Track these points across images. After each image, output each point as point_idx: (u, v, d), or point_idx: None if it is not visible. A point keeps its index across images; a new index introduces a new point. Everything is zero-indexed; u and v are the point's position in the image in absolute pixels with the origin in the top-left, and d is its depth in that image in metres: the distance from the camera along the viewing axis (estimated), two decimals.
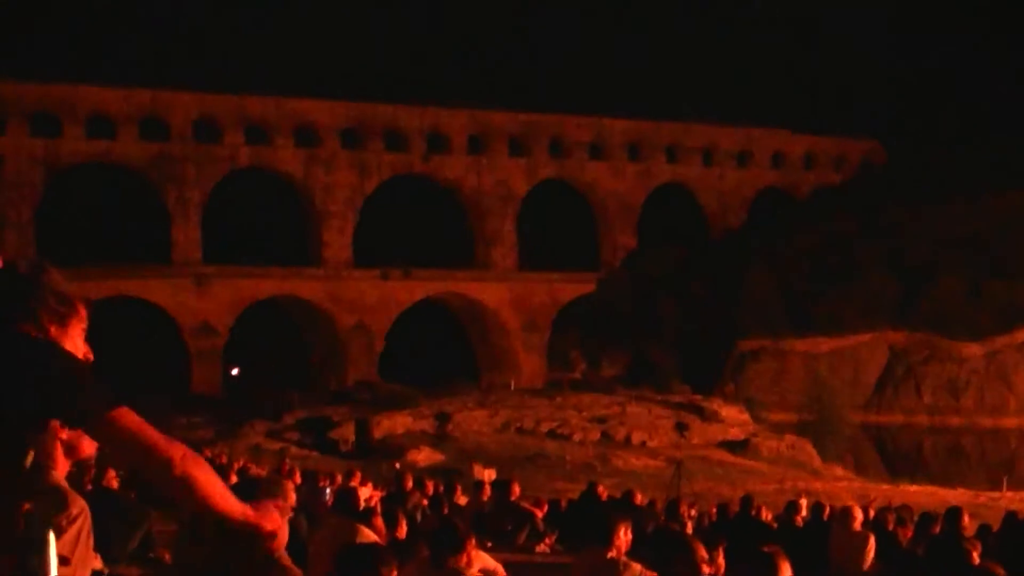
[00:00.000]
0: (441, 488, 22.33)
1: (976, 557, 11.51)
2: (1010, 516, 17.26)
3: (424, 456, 52.70)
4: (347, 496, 12.05)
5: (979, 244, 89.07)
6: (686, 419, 60.09)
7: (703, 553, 7.95)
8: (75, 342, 4.34)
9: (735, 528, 17.58)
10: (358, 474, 24.59)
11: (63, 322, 4.31)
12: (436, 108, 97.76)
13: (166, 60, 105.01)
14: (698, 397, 73.40)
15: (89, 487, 15.74)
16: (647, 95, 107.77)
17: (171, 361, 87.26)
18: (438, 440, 57.27)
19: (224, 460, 33.25)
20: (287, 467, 28.58)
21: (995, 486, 49.75)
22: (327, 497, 20.44)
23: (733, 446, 61.10)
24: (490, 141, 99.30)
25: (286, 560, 4.89)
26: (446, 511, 17.57)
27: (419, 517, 17.93)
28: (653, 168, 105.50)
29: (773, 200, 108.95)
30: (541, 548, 17.68)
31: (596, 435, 59.86)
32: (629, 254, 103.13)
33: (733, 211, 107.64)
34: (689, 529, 17.06)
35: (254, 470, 30.14)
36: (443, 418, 59.89)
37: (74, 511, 4.17)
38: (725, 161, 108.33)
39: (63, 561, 4.00)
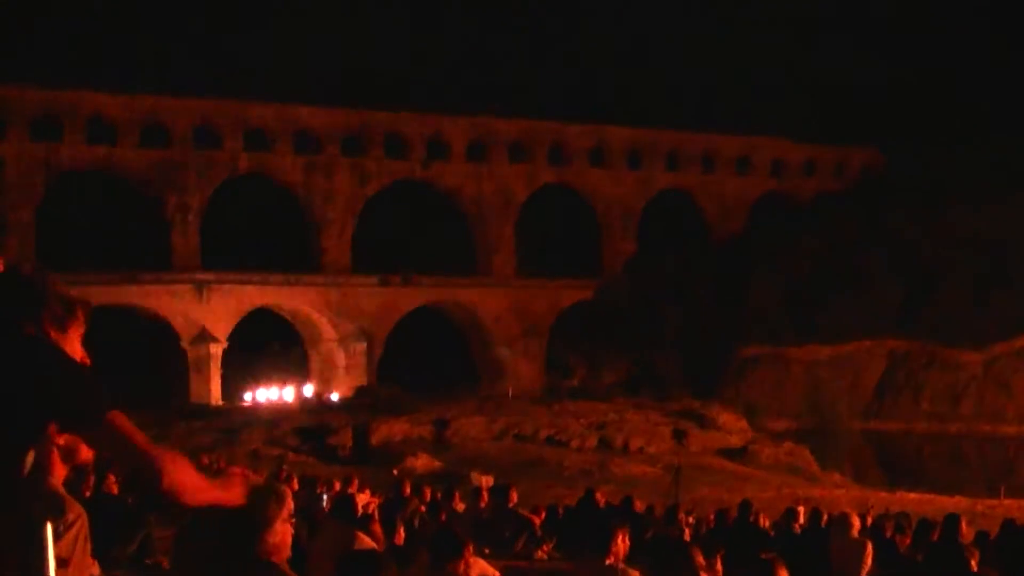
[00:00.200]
0: (439, 495, 22.34)
1: (974, 564, 11.54)
2: (1008, 523, 17.26)
3: (422, 462, 52.68)
4: (345, 503, 12.06)
5: (981, 251, 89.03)
6: (684, 426, 60.13)
7: (701, 560, 7.96)
8: (73, 346, 4.38)
9: (733, 535, 17.59)
10: (356, 480, 24.61)
11: (63, 326, 4.34)
12: (436, 114, 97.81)
13: (167, 66, 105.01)
14: (697, 404, 73.39)
15: (87, 493, 15.73)
16: (647, 102, 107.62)
17: (170, 368, 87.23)
18: (436, 446, 57.27)
19: (223, 466, 33.28)
20: (285, 473, 28.58)
21: (994, 493, 49.72)
22: (325, 503, 20.44)
23: (731, 453, 61.11)
24: (490, 147, 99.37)
25: (285, 567, 4.89)
26: (444, 518, 17.58)
27: (417, 523, 17.94)
28: (653, 175, 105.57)
29: (773, 207, 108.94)
30: (539, 555, 17.68)
31: (594, 442, 59.87)
32: (629, 261, 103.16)
33: (733, 218, 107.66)
34: (687, 536, 17.06)
35: (252, 476, 30.09)
36: (441, 424, 59.88)
37: (71, 516, 4.19)
38: (725, 168, 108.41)
39: (61, 563, 4.02)
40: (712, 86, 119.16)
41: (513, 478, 40.79)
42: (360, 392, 75.56)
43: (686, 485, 38.89)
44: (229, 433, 58.71)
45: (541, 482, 47.64)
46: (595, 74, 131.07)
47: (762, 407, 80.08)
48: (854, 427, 79.97)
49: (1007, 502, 45.87)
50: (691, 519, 22.02)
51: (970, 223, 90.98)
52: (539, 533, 17.37)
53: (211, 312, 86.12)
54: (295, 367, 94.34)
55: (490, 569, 10.97)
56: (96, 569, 10.91)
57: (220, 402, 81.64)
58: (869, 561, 14.72)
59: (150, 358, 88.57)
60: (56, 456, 4.21)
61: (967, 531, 15.58)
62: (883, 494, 48.66)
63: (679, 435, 41.77)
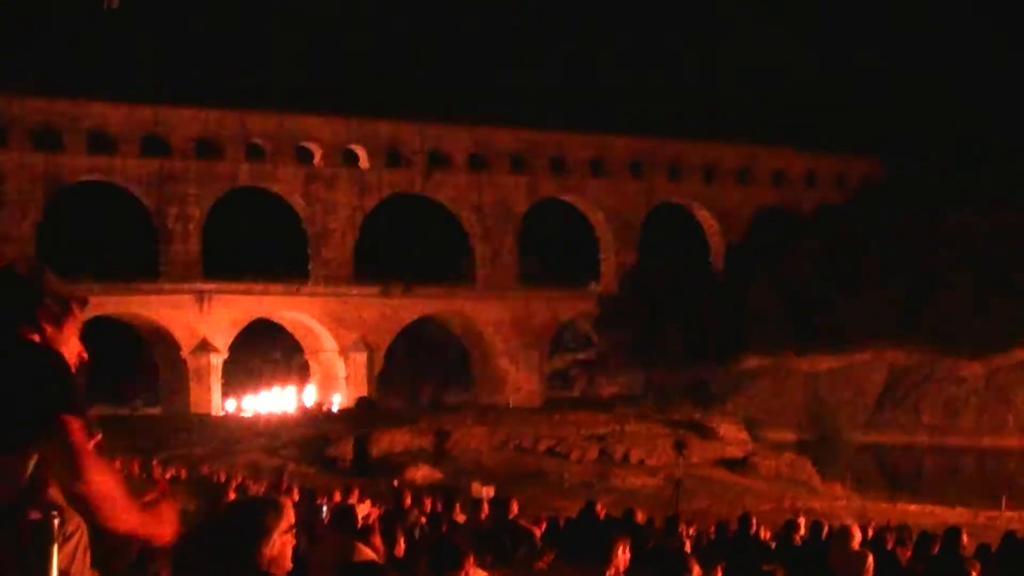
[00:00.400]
0: (439, 505, 22.29)
1: None
2: (1009, 535, 17.21)
3: (423, 473, 52.64)
4: (345, 513, 12.04)
5: (981, 262, 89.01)
6: (685, 437, 59.92)
7: (698, 571, 7.93)
8: (69, 341, 4.38)
9: (734, 546, 17.55)
10: (356, 491, 24.57)
11: (58, 322, 4.35)
12: (436, 126, 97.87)
13: (168, 77, 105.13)
14: (697, 415, 73.31)
15: None
16: (648, 112, 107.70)
17: (170, 377, 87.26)
18: (437, 457, 57.20)
19: (222, 477, 33.22)
20: (285, 484, 28.55)
21: (995, 505, 49.64)
22: (324, 514, 20.40)
23: (732, 464, 61.02)
24: (490, 159, 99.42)
25: None
26: (444, 528, 17.54)
27: (417, 534, 17.90)
28: (654, 186, 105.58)
29: (774, 218, 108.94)
30: (539, 565, 17.62)
31: (594, 453, 59.79)
32: (630, 272, 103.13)
33: (734, 229, 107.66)
34: (688, 547, 17.03)
35: (252, 487, 30.11)
36: (442, 435, 59.80)
37: (70, 527, 4.17)
38: (726, 179, 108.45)
39: (62, 575, 4.01)
40: (713, 95, 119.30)
41: (513, 489, 40.76)
42: (360, 402, 75.48)
43: (687, 496, 38.83)
44: (228, 443, 58.64)
45: (541, 493, 47.59)
46: (596, 84, 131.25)
47: (763, 418, 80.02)
48: (855, 438, 79.89)
49: (1008, 514, 45.79)
50: (691, 530, 21.98)
51: (970, 234, 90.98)
52: (539, 544, 17.31)
53: (211, 322, 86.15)
54: (296, 376, 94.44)
55: None
56: None
57: (220, 412, 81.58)
58: (870, 574, 14.68)
59: (150, 368, 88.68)
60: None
61: (968, 543, 15.55)
62: (884, 506, 48.63)
63: (679, 446, 41.69)
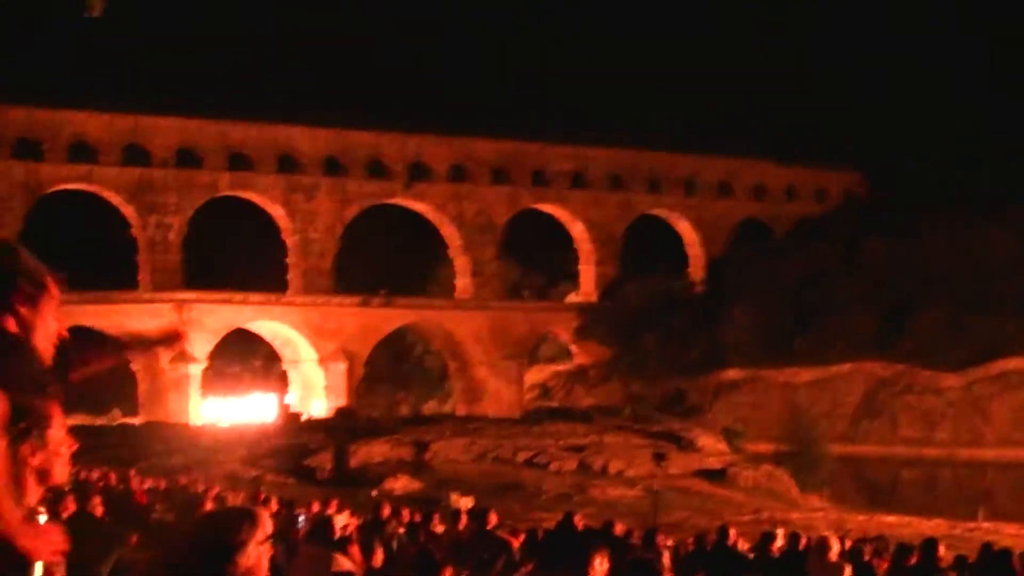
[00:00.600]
0: (418, 516, 22.30)
1: None
2: (986, 547, 17.30)
3: (402, 484, 52.59)
4: (323, 525, 12.04)
5: (959, 278, 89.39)
6: (664, 448, 60.11)
7: None
8: (46, 321, 4.32)
9: (712, 558, 17.60)
10: (334, 502, 24.55)
11: (35, 303, 4.29)
12: (417, 136, 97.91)
13: (148, 86, 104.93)
14: (676, 426, 73.39)
15: (65, 514, 15.69)
16: (629, 125, 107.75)
17: (148, 387, 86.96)
18: (416, 468, 57.15)
19: (200, 488, 33.14)
20: (263, 495, 28.50)
21: (972, 517, 49.82)
22: (301, 524, 20.40)
23: (711, 476, 61.11)
24: (471, 170, 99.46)
25: None
26: (423, 539, 17.55)
27: (396, 545, 17.91)
28: (634, 198, 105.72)
29: (755, 230, 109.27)
30: None
31: (573, 464, 59.83)
32: (610, 284, 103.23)
33: (714, 242, 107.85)
34: (666, 559, 17.06)
35: (231, 498, 30.05)
36: (421, 446, 59.77)
37: None
38: (707, 192, 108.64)
39: None
40: (694, 108, 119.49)
41: (492, 500, 40.75)
42: (340, 413, 75.37)
43: (665, 508, 38.88)
44: (207, 454, 58.51)
45: (520, 504, 47.61)
46: (576, 96, 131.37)
47: (742, 430, 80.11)
48: (833, 451, 80.00)
49: (985, 525, 46.00)
50: (670, 542, 22.01)
51: (950, 251, 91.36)
52: (517, 556, 17.32)
53: (191, 332, 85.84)
54: (277, 385, 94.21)
55: None
56: None
57: (199, 422, 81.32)
58: None
59: (128, 378, 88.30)
60: (32, 478, 4.15)
61: (945, 555, 15.61)
62: (862, 517, 48.75)
63: (658, 458, 41.75)
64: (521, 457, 60.13)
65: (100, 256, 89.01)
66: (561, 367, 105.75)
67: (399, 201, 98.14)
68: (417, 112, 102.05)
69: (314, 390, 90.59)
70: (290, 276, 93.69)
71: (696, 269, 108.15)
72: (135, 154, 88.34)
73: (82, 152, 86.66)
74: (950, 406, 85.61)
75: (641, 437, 66.64)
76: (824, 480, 67.41)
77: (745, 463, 65.38)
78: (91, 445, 57.21)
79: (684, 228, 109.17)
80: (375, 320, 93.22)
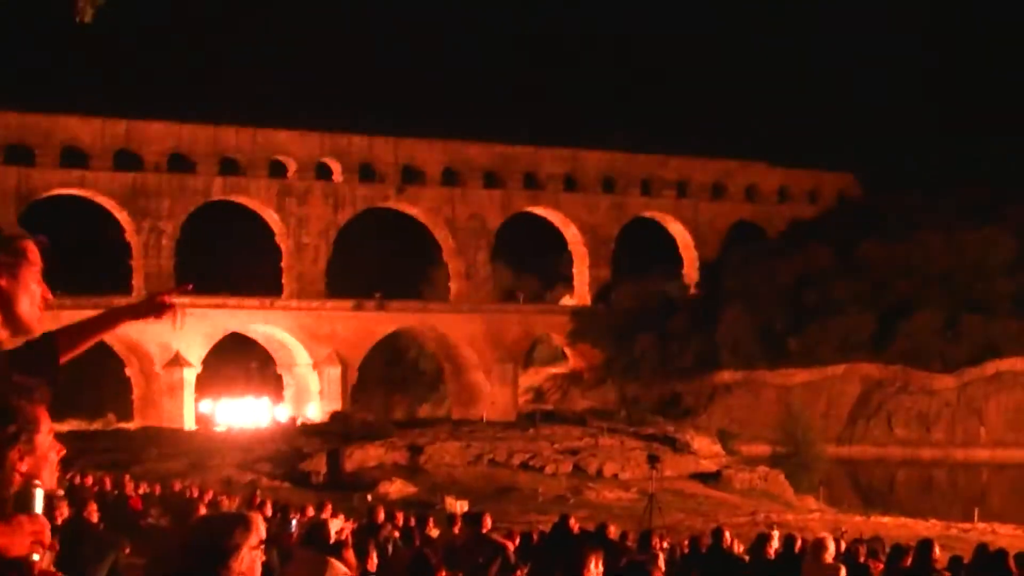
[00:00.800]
0: (413, 520, 22.27)
1: None
2: (981, 548, 17.28)
3: (396, 488, 52.49)
4: (317, 529, 12.01)
5: (953, 279, 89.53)
6: (659, 451, 60.01)
7: None
8: (29, 288, 4.23)
9: (707, 560, 17.58)
10: (329, 506, 24.51)
11: (14, 272, 4.20)
12: (410, 140, 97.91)
13: (141, 92, 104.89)
14: (671, 429, 73.39)
15: (59, 520, 15.65)
16: (622, 127, 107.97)
17: (143, 391, 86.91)
18: (410, 472, 57.08)
19: (195, 492, 33.09)
20: (258, 499, 28.44)
21: (968, 518, 49.82)
22: (294, 529, 20.35)
23: (706, 478, 61.06)
24: (464, 173, 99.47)
25: None
26: (418, 543, 17.52)
27: (391, 549, 17.87)
28: (628, 200, 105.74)
29: (748, 232, 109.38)
30: None
31: (568, 467, 59.78)
32: (603, 286, 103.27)
33: (708, 244, 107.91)
34: (661, 561, 17.04)
35: (225, 502, 30.00)
36: (416, 450, 59.70)
37: None
38: (699, 194, 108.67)
39: None
40: (686, 110, 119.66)
41: (487, 504, 40.71)
42: (334, 417, 75.28)
43: (660, 510, 38.81)
44: (201, 458, 58.41)
45: (516, 507, 47.55)
46: (569, 100, 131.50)
47: (736, 432, 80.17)
48: (828, 452, 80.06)
49: (980, 526, 45.98)
50: (665, 544, 21.99)
51: (943, 250, 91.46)
52: (513, 559, 17.30)
53: (184, 337, 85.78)
54: (272, 389, 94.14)
55: None
56: None
57: (193, 426, 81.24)
58: None
59: (123, 382, 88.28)
60: (17, 485, 4.10)
61: (940, 556, 15.59)
62: (857, 519, 48.70)
63: (653, 460, 41.71)
64: (516, 460, 60.06)
65: (93, 261, 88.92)
66: (555, 370, 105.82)
67: (392, 205, 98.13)
68: (409, 116, 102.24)
69: (309, 394, 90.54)
70: (284, 280, 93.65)
71: (690, 271, 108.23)
72: (127, 159, 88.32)
73: (74, 157, 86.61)
74: (945, 407, 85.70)
75: (636, 440, 66.62)
76: (819, 481, 67.38)
77: (740, 465, 65.36)
78: (86, 450, 57.20)
79: (677, 230, 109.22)
80: (369, 324, 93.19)
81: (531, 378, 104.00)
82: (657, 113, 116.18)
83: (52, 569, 3.99)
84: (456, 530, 19.62)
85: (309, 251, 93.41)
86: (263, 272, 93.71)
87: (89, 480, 35.21)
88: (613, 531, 19.83)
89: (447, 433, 64.81)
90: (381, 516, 21.13)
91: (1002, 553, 14.89)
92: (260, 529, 4.28)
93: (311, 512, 23.82)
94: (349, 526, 21.77)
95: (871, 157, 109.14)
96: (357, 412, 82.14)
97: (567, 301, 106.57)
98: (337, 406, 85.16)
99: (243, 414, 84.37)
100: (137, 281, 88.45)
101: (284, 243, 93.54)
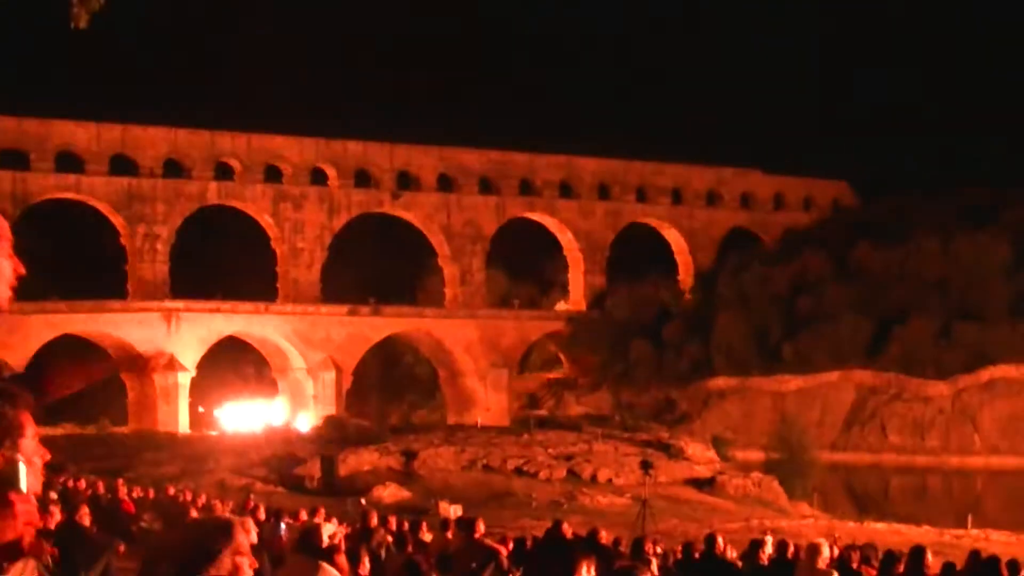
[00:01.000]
0: (406, 525, 22.27)
1: None
2: (974, 554, 17.31)
3: (390, 493, 52.50)
4: (309, 534, 12.00)
5: (948, 286, 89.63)
6: (653, 457, 60.05)
7: None
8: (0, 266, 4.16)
9: (700, 566, 17.58)
10: (322, 511, 24.52)
11: None
12: (406, 146, 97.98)
13: (136, 97, 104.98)
14: (665, 435, 73.40)
15: (52, 525, 15.66)
16: (617, 134, 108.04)
17: (138, 395, 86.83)
18: (405, 477, 57.06)
19: (188, 496, 33.10)
20: (251, 504, 28.43)
21: (962, 524, 49.86)
22: (283, 533, 20.36)
23: (700, 484, 61.06)
24: (459, 179, 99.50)
25: None
26: (410, 548, 17.52)
27: (384, 554, 17.88)
28: (623, 207, 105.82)
29: (743, 239, 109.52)
30: None
31: (563, 473, 59.77)
32: (598, 293, 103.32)
33: (703, 250, 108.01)
34: (655, 567, 17.05)
35: (219, 507, 29.99)
36: (410, 455, 59.68)
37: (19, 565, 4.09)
38: (695, 201, 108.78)
39: None
40: (683, 116, 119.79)
41: (481, 509, 40.71)
42: (328, 422, 75.25)
43: (654, 516, 38.82)
44: (196, 463, 58.41)
45: (509, 513, 47.54)
46: (564, 106, 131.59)
47: (730, 438, 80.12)
48: (822, 458, 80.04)
49: (974, 533, 46.02)
50: (659, 549, 21.99)
51: (938, 257, 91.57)
52: (506, 564, 17.31)
53: (180, 341, 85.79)
54: (267, 393, 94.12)
55: None
56: None
57: (188, 431, 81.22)
58: None
59: (118, 387, 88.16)
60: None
61: (933, 562, 15.59)
62: (851, 525, 48.73)
63: (646, 466, 41.68)
64: (511, 465, 60.05)
65: (89, 266, 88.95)
66: (550, 376, 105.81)
67: (387, 211, 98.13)
68: (404, 122, 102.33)
69: (303, 399, 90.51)
70: (279, 285, 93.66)
71: (685, 277, 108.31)
72: (123, 164, 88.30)
73: (70, 162, 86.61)
74: (939, 414, 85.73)
75: (630, 445, 66.62)
76: (813, 488, 67.36)
77: (734, 471, 65.36)
78: (80, 455, 57.19)
79: (673, 237, 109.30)
80: (364, 329, 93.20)
81: (526, 384, 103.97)
82: (652, 120, 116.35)
83: (39, 541, 3.98)
84: (449, 535, 19.63)
85: (304, 256, 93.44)
86: (258, 277, 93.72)
87: (82, 484, 35.20)
88: (605, 537, 19.84)
89: (441, 438, 64.80)
90: (374, 521, 21.15)
91: (994, 560, 14.90)
92: (241, 534, 4.26)
93: (304, 517, 23.83)
94: (342, 531, 21.76)
95: (866, 163, 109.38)
96: (352, 417, 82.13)
97: (562, 307, 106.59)
98: (332, 411, 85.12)
99: (254, 417, 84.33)
100: (132, 285, 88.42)
101: (279, 248, 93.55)
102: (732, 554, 21.55)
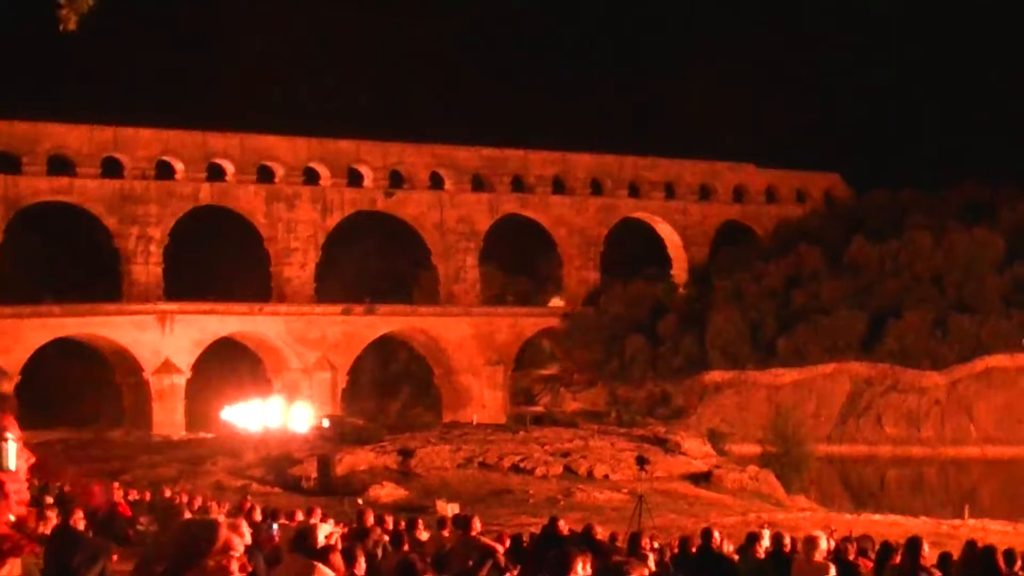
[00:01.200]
0: (402, 524, 22.24)
1: None
2: (970, 545, 17.31)
3: (387, 492, 52.45)
4: (304, 534, 11.98)
5: (942, 277, 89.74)
6: (649, 452, 60.03)
7: None
8: None
9: (696, 561, 17.58)
10: (317, 511, 24.50)
11: None
12: (398, 144, 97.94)
13: (127, 98, 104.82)
14: (662, 430, 73.36)
15: (47, 530, 15.64)
16: (609, 129, 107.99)
17: (133, 399, 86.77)
18: (401, 476, 57.02)
19: (184, 499, 33.06)
20: (248, 505, 28.39)
21: (958, 515, 49.92)
22: (275, 533, 20.33)
23: (696, 478, 61.05)
24: (452, 177, 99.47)
25: None
26: (407, 547, 17.50)
27: (380, 553, 17.86)
28: (616, 202, 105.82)
29: (737, 233, 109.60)
30: None
31: (559, 469, 59.74)
32: (593, 289, 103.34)
33: (697, 245, 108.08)
34: (652, 562, 17.05)
35: (215, 509, 29.97)
36: (406, 454, 59.62)
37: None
38: (687, 195, 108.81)
39: None
40: (674, 111, 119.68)
41: (479, 507, 40.71)
42: (324, 422, 75.14)
43: (651, 511, 38.80)
44: (193, 464, 58.35)
45: (507, 510, 47.54)
46: (556, 102, 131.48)
47: (726, 432, 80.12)
48: (818, 451, 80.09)
49: (971, 523, 46.07)
50: (655, 544, 21.98)
51: (932, 249, 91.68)
52: (503, 562, 17.31)
53: (174, 343, 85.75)
54: (262, 394, 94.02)
55: None
56: None
57: (183, 432, 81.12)
58: None
59: (113, 389, 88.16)
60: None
61: (930, 553, 15.60)
62: (848, 517, 48.76)
63: (641, 462, 41.64)
64: (507, 463, 60.01)
65: (82, 268, 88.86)
66: (546, 372, 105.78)
67: (380, 209, 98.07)
68: (396, 120, 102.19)
69: (299, 399, 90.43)
70: (273, 285, 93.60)
71: (679, 272, 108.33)
72: (115, 166, 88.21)
73: (62, 165, 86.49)
74: (935, 405, 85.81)
75: (626, 441, 66.60)
76: (810, 481, 67.45)
77: (731, 465, 65.36)
78: (76, 458, 57.15)
79: (666, 231, 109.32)
80: (358, 328, 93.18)
81: (521, 380, 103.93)
82: (643, 115, 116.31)
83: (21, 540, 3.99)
84: (446, 533, 19.63)
85: (297, 255, 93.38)
86: (252, 277, 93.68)
87: (79, 488, 35.15)
88: (601, 533, 19.84)
89: (438, 436, 64.77)
90: (370, 520, 21.12)
91: (990, 549, 14.90)
92: (234, 535, 4.26)
93: (300, 517, 23.80)
94: (339, 531, 21.74)
95: (860, 156, 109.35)
96: (348, 416, 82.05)
97: (556, 303, 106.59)
98: (328, 411, 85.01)
99: (255, 418, 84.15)
100: (126, 287, 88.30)
101: (272, 248, 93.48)
102: (729, 548, 21.56)
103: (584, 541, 17.44)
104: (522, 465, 59.80)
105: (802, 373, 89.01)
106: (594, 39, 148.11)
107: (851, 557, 17.65)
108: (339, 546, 13.19)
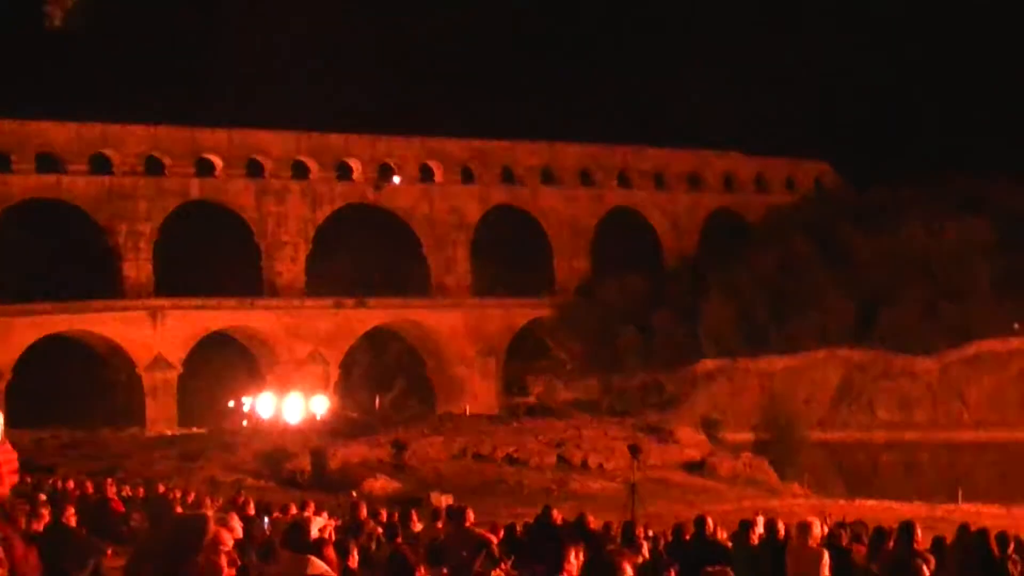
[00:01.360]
0: (396, 516, 22.23)
1: (927, 571, 11.55)
2: (963, 528, 17.33)
3: (381, 485, 52.42)
4: (297, 528, 11.96)
5: (933, 263, 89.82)
6: (642, 441, 60.08)
7: (629, 573, 7.85)
8: None
9: (690, 549, 17.57)
10: (311, 504, 24.47)
11: None
12: (387, 137, 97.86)
13: (114, 95, 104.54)
14: (655, 419, 73.44)
15: (39, 527, 15.60)
16: (598, 119, 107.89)
17: (126, 395, 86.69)
18: (395, 468, 57.00)
19: (178, 494, 33.00)
20: (241, 499, 28.36)
21: (952, 499, 49.96)
22: (266, 526, 20.31)
23: (691, 467, 61.10)
24: (442, 169, 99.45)
25: None
26: (400, 539, 17.49)
27: (374, 546, 17.84)
28: (605, 192, 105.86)
29: (727, 221, 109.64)
30: (496, 574, 17.58)
31: (553, 459, 59.75)
32: (584, 278, 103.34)
33: (686, 233, 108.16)
34: (646, 550, 17.05)
35: (209, 504, 29.93)
36: (399, 446, 59.59)
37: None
38: (677, 184, 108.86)
39: None
40: (663, 99, 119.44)
41: (473, 498, 40.70)
42: (318, 415, 75.17)
43: (645, 500, 38.81)
44: (187, 459, 58.29)
45: (501, 501, 47.54)
46: (544, 92, 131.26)
47: (720, 420, 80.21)
48: (811, 437, 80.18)
49: (965, 507, 46.12)
50: (649, 533, 21.98)
51: (923, 235, 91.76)
52: (497, 552, 17.30)
53: (166, 338, 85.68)
54: (254, 388, 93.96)
55: None
56: None
57: (176, 428, 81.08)
58: (826, 572, 14.72)
59: (106, 386, 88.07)
60: None
61: (923, 537, 15.61)
62: (842, 503, 48.79)
63: (634, 451, 41.70)
64: (500, 453, 60.02)
65: (73, 265, 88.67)
66: (538, 362, 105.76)
67: (370, 201, 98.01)
68: (385, 112, 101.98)
69: (291, 392, 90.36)
70: (264, 279, 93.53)
71: (670, 260, 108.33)
72: (104, 163, 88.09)
73: (50, 162, 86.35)
74: (927, 390, 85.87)
75: (619, 430, 66.61)
76: (804, 467, 67.48)
77: (724, 453, 65.41)
78: (70, 455, 57.10)
79: (656, 220, 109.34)
80: (350, 321, 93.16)
81: (514, 371, 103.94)
82: (630, 104, 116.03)
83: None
84: (440, 525, 19.62)
85: (288, 249, 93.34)
86: (242, 272, 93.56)
87: (71, 484, 35.11)
88: (594, 522, 19.85)
89: (431, 428, 64.75)
90: (364, 513, 21.11)
91: (983, 533, 14.92)
92: (223, 530, 4.25)
93: (294, 510, 23.79)
94: (332, 524, 21.73)
95: (850, 144, 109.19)
96: (341, 410, 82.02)
97: (548, 293, 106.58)
98: (320, 404, 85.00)
99: (236, 414, 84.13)
100: (117, 283, 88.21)
101: (263, 242, 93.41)
102: (723, 535, 21.56)
103: (577, 530, 17.45)
104: (516, 455, 59.82)
105: (794, 360, 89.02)
106: (594, 39, 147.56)
107: (845, 543, 17.65)
108: (333, 539, 13.18)
